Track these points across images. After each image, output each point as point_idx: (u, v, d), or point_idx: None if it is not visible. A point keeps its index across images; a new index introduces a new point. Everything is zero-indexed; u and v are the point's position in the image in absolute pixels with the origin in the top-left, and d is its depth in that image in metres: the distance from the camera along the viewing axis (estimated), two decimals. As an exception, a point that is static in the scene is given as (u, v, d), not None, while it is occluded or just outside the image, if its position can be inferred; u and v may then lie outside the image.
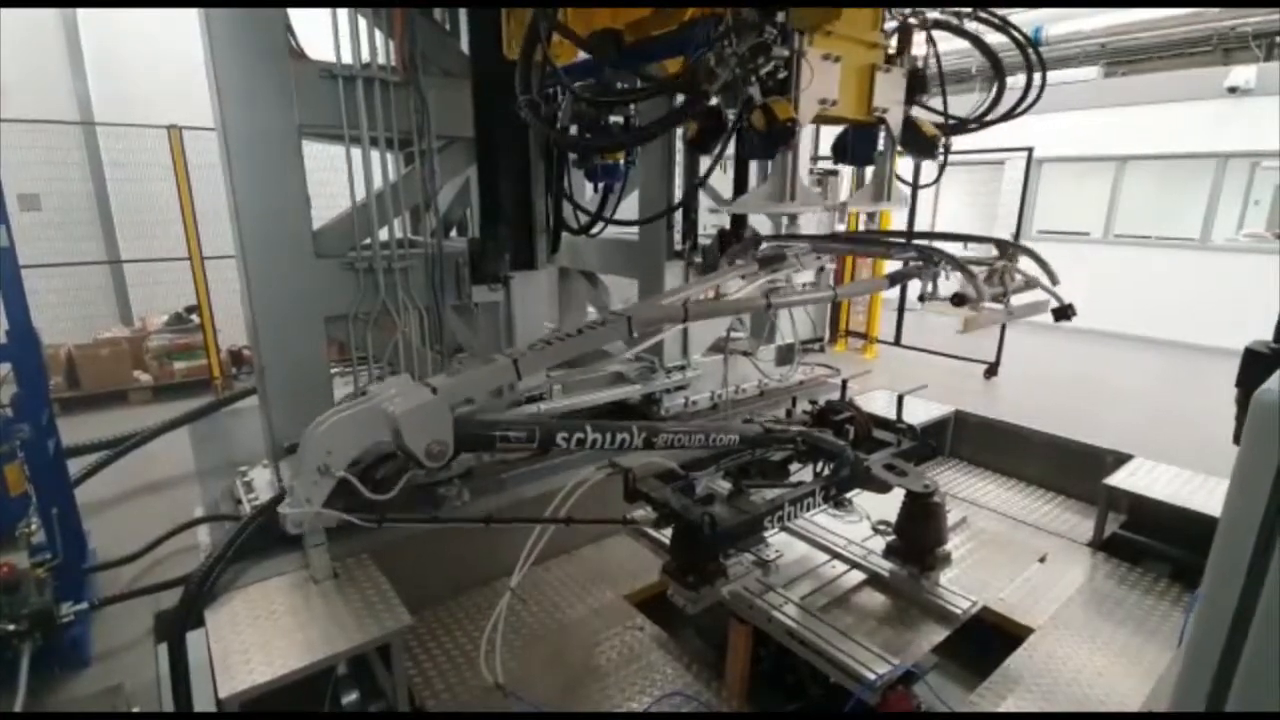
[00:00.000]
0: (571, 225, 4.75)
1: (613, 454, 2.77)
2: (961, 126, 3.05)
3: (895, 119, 2.78)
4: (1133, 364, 8.41)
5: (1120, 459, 3.97)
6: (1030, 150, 7.76)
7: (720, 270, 3.01)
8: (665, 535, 2.91)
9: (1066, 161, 10.90)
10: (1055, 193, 11.13)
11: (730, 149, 2.87)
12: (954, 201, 12.79)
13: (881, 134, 2.92)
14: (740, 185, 4.43)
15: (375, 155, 3.69)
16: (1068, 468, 4.22)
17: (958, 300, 2.65)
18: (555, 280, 6.08)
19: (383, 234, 3.78)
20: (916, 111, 2.87)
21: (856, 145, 2.99)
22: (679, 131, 4.24)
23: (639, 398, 5.07)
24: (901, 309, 8.86)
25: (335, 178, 3.73)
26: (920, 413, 4.58)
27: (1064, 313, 2.80)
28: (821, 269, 3.38)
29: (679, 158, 4.59)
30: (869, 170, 3.06)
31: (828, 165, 8.21)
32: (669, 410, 5.08)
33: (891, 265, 3.68)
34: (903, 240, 3.23)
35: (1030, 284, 2.87)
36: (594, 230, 4.73)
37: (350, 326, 3.75)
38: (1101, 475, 3.74)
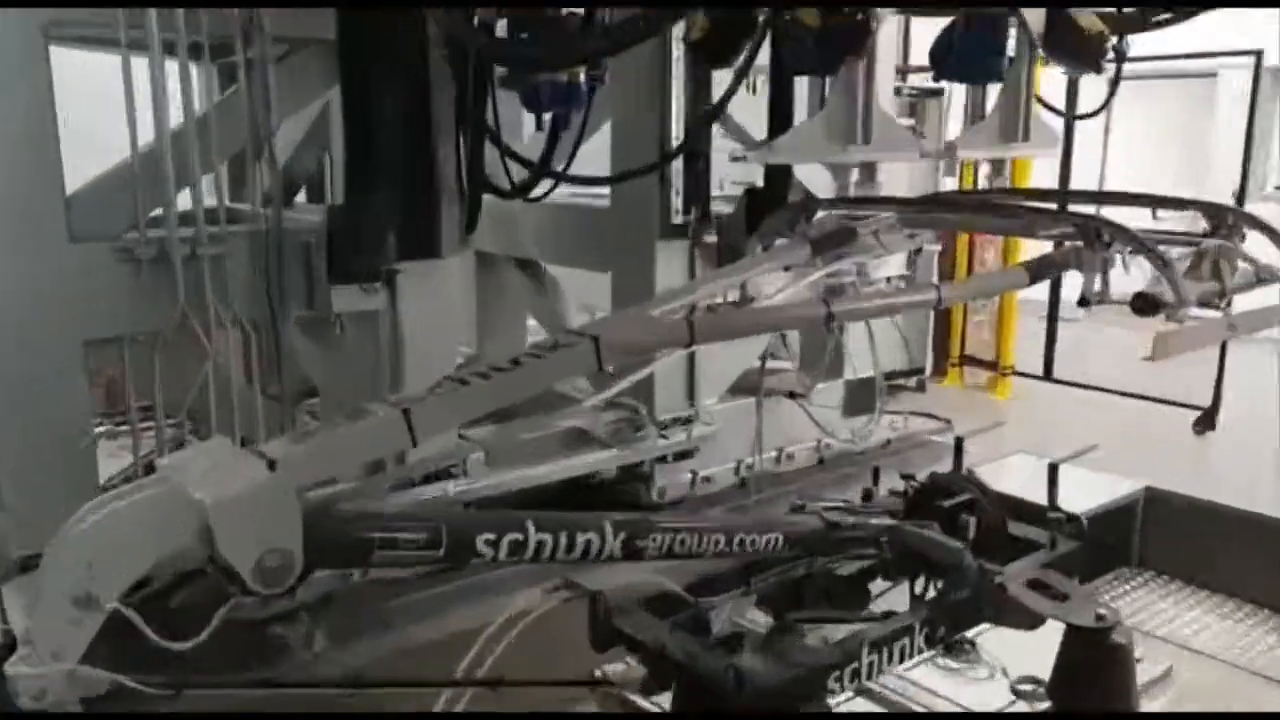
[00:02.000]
0: (500, 185, 4.81)
1: (571, 567, 2.77)
2: (1143, 16, 3.14)
3: (1035, 8, 2.88)
4: None
5: None
6: (1259, 54, 7.93)
7: (750, 259, 3.06)
8: (662, 703, 2.91)
9: None
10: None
11: (764, 58, 2.93)
12: (1134, 142, 13.00)
13: (1013, 30, 3.01)
14: (780, 119, 4.53)
15: (172, 70, 3.73)
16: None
17: (1143, 305, 2.70)
18: (472, 275, 6.13)
19: (182, 200, 3.81)
20: None
21: (970, 51, 3.08)
22: (677, 30, 4.32)
23: (615, 472, 5.06)
24: (1053, 320, 8.94)
25: (106, 114, 3.75)
26: (1088, 493, 4.61)
27: None
28: (917, 255, 3.44)
29: (678, 72, 4.67)
30: (993, 92, 3.15)
31: (924, 84, 8.36)
32: (665, 493, 5.07)
33: (1034, 248, 3.75)
34: (1052, 207, 3.31)
35: (1262, 277, 2.94)
36: (537, 193, 4.80)
37: (127, 354, 3.75)
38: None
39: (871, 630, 2.76)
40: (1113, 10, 3.09)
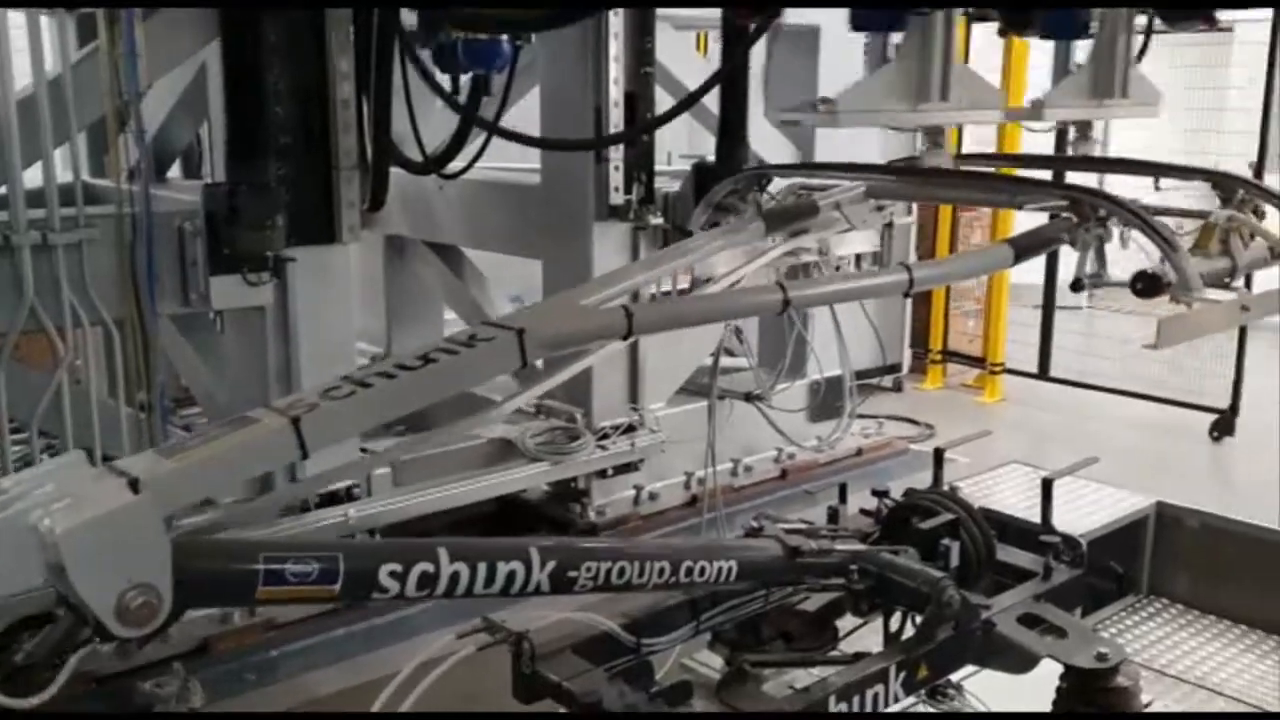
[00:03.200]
0: (411, 158, 4.77)
1: (492, 604, 2.75)
2: None
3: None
4: None
5: None
6: (1279, 7, 8.09)
7: (696, 238, 3.06)
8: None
9: None
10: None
11: (715, 13, 2.92)
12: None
13: None
14: (735, 97, 4.53)
15: (18, 20, 3.68)
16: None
17: (1145, 286, 2.72)
18: (380, 262, 6.09)
19: (31, 176, 3.76)
20: None
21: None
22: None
23: (544, 490, 5.07)
24: (1049, 309, 9.03)
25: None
26: (1089, 511, 4.64)
27: None
28: (888, 228, 3.45)
29: (615, 27, 4.71)
30: (1080, 49, 3.20)
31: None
32: (605, 512, 5.11)
33: (1026, 222, 3.78)
34: (1040, 178, 3.35)
35: (1278, 253, 2.98)
36: (453, 167, 4.77)
37: (-37, 360, 3.70)
38: None
39: (840, 675, 2.76)
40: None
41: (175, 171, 5.50)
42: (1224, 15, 10.64)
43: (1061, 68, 3.29)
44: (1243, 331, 7.86)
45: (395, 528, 4.34)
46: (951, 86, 2.85)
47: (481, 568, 2.26)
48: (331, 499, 4.19)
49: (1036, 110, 3.14)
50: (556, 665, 2.68)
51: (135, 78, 3.88)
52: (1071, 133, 3.34)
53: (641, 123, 4.78)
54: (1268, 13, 8.33)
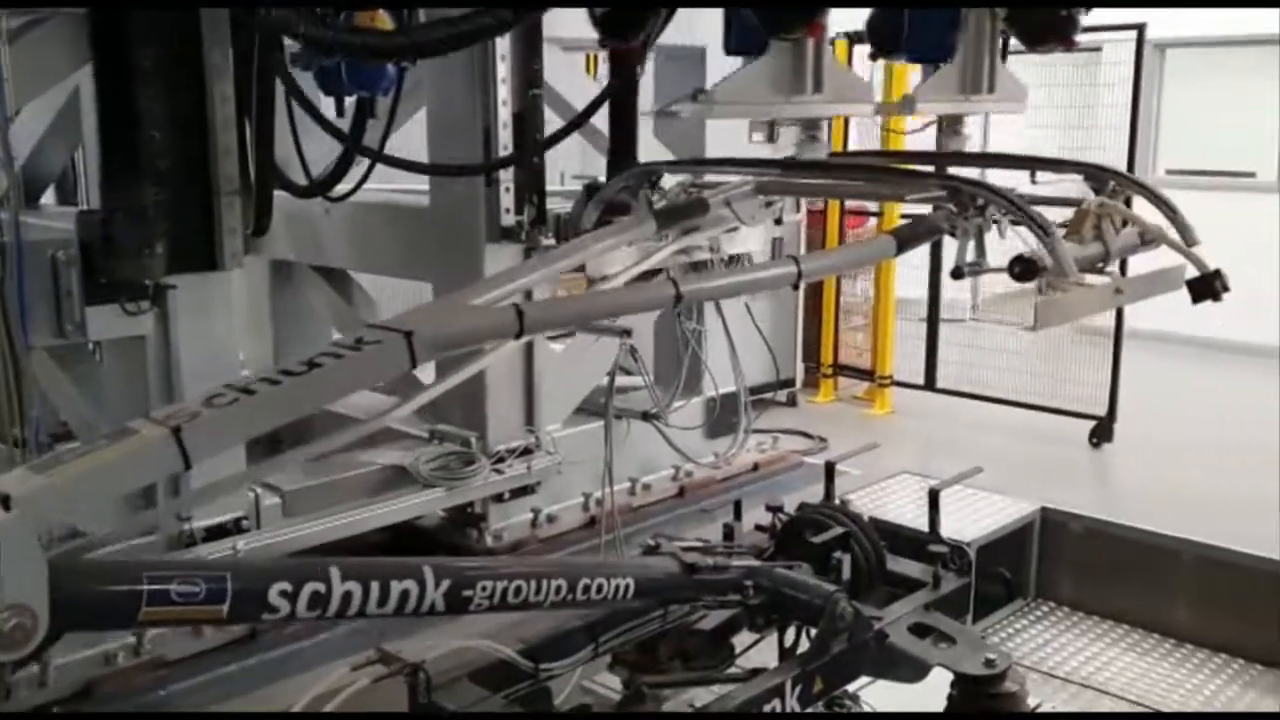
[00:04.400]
0: (296, 181, 4.69)
1: (392, 630, 2.70)
2: None
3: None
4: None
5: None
6: (1141, 28, 8.36)
7: (587, 236, 3.03)
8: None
9: (1205, 46, 11.66)
10: (1191, 103, 12.04)
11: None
12: (1016, 124, 13.50)
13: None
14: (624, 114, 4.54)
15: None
16: (1247, 608, 4.43)
17: (1022, 270, 2.76)
18: (266, 288, 5.97)
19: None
20: None
21: (920, 27, 3.20)
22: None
23: (440, 517, 5.01)
24: (934, 323, 9.20)
25: None
26: (977, 518, 4.72)
27: (1207, 287, 2.95)
28: (777, 226, 3.48)
29: (502, 49, 4.70)
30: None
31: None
32: (501, 538, 5.05)
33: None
34: (919, 169, 3.41)
35: (1148, 239, 3.06)
36: (340, 190, 4.70)
37: None
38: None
39: (737, 692, 2.78)
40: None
41: (50, 198, 5.36)
42: (1093, 37, 10.95)
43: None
44: (1118, 340, 8.12)
45: (285, 553, 4.24)
46: (825, 80, 2.91)
47: (374, 587, 2.22)
48: (219, 531, 4.09)
49: (908, 104, 3.21)
50: (453, 694, 2.66)
51: (3, 102, 3.76)
52: (942, 125, 3.41)
53: (531, 144, 4.76)
54: (1132, 35, 8.58)
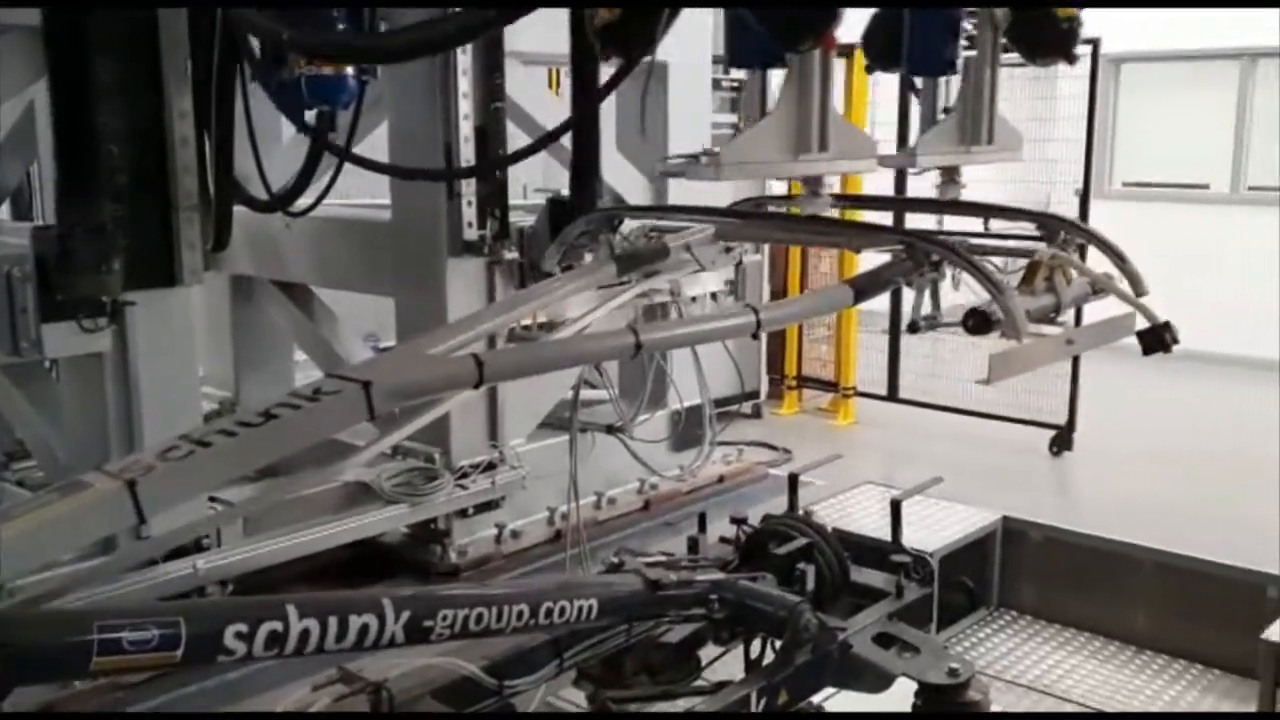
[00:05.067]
0: (256, 195, 4.65)
1: (347, 656, 2.67)
2: None
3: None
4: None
5: (1295, 596, 4.27)
6: (1095, 43, 8.45)
7: (550, 281, 3.05)
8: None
9: (1160, 61, 11.85)
10: (1146, 116, 12.22)
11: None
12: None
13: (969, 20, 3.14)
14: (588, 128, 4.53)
15: None
16: (1205, 614, 4.48)
17: (976, 323, 2.82)
18: (226, 304, 5.93)
19: None
20: None
21: (920, 36, 3.19)
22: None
23: (404, 533, 4.97)
24: (895, 335, 9.26)
25: None
26: (939, 528, 4.75)
27: (1157, 339, 3.03)
28: (738, 268, 3.49)
29: (464, 63, 4.69)
30: (946, 89, 3.30)
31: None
32: (465, 554, 5.03)
33: (870, 256, 3.88)
34: (881, 220, 3.43)
35: (1098, 289, 3.11)
36: (300, 204, 4.68)
37: None
38: (1263, 625, 4.00)
39: (703, 706, 2.77)
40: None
41: (5, 214, 5.29)
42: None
43: (929, 114, 3.39)
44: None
45: (247, 578, 4.19)
46: (830, 138, 2.93)
47: (332, 623, 2.21)
48: (179, 551, 4.04)
49: (910, 157, 3.24)
50: (419, 711, 2.63)
51: (-43, 117, 3.73)
52: (939, 177, 3.47)
53: (494, 158, 4.74)
54: (1087, 49, 8.66)
